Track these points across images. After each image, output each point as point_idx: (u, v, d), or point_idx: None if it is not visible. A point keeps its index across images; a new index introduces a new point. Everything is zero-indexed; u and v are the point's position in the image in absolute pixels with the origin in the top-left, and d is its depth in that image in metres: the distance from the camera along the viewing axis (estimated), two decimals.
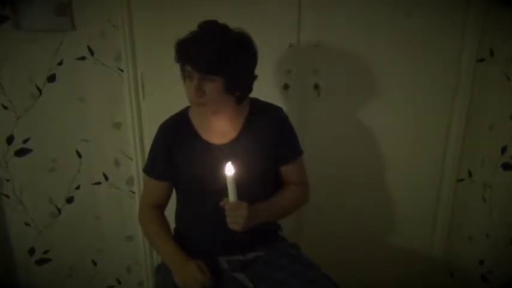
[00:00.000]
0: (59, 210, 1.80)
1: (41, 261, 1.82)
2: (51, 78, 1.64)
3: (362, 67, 1.70)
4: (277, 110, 1.29)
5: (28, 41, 1.57)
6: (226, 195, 1.08)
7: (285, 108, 1.31)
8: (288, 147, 1.28)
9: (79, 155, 1.77)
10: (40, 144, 1.69)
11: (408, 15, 1.63)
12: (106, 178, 1.83)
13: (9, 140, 1.64)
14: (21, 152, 1.67)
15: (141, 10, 1.62)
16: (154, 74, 1.70)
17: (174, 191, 1.35)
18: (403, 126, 1.78)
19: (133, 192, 1.85)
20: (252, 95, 1.25)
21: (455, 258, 1.95)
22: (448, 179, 1.84)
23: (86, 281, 1.93)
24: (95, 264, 1.93)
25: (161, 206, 1.33)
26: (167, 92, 1.66)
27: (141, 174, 1.74)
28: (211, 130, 1.24)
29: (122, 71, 1.68)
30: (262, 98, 1.30)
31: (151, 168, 1.31)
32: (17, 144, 1.66)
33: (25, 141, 1.67)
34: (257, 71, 1.20)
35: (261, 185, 1.24)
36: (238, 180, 1.07)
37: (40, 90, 1.64)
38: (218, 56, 1.07)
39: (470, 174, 1.84)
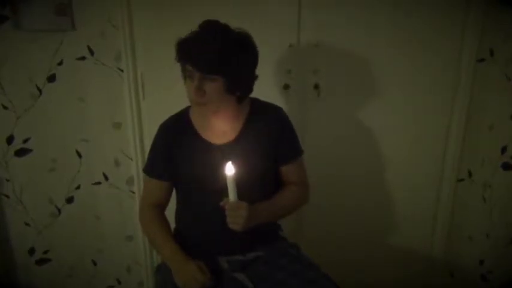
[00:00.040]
0: (59, 210, 1.80)
1: (41, 261, 1.82)
2: (51, 78, 1.64)
3: (362, 67, 1.70)
4: (277, 110, 1.29)
5: (28, 41, 1.57)
6: (227, 195, 1.08)
7: (285, 108, 1.31)
8: (288, 147, 1.28)
9: (79, 155, 1.77)
10: (40, 144, 1.69)
11: (408, 15, 1.63)
12: (106, 178, 1.83)
13: (9, 140, 1.64)
14: (21, 152, 1.67)
15: (141, 10, 1.63)
16: (154, 74, 1.70)
17: (174, 190, 1.35)
18: (403, 126, 1.78)
19: (133, 192, 1.85)
20: (252, 95, 1.25)
21: (455, 258, 1.95)
22: (448, 179, 1.84)
23: (86, 281, 1.93)
24: (95, 264, 1.93)
25: (161, 206, 1.33)
26: (167, 92, 1.66)
27: (141, 174, 1.74)
28: (211, 130, 1.24)
29: (122, 71, 1.68)
30: (262, 98, 1.30)
31: (152, 168, 1.31)
32: (17, 144, 1.66)
33: (25, 141, 1.67)
34: (257, 71, 1.20)
35: (261, 185, 1.24)
36: (239, 180, 1.07)
37: (40, 90, 1.64)
38: (219, 55, 1.07)
39: (470, 174, 1.84)
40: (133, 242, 1.92)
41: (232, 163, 1.06)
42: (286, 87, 1.70)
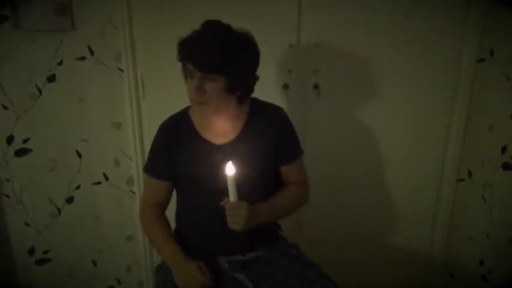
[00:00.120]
0: (59, 210, 1.80)
1: (41, 261, 1.82)
2: (51, 78, 1.64)
3: (362, 67, 1.70)
4: (277, 110, 1.29)
5: (28, 41, 1.57)
6: (227, 195, 1.08)
7: (285, 108, 1.31)
8: (288, 147, 1.28)
9: (79, 155, 1.77)
10: (40, 144, 1.69)
11: (408, 15, 1.63)
12: (106, 178, 1.83)
13: (9, 140, 1.64)
14: (21, 152, 1.67)
15: (141, 10, 1.63)
16: (154, 74, 1.70)
17: (174, 191, 1.35)
18: (403, 126, 1.78)
19: (134, 192, 1.85)
20: (253, 95, 1.25)
21: (455, 258, 1.95)
22: (448, 179, 1.84)
23: (86, 281, 1.93)
24: (95, 264, 1.93)
25: (162, 206, 1.33)
26: (167, 92, 1.66)
27: (141, 174, 1.75)
28: (211, 130, 1.24)
29: (122, 71, 1.68)
30: (262, 98, 1.30)
31: (152, 168, 1.31)
32: (17, 144, 1.66)
33: (25, 141, 1.67)
34: (258, 71, 1.20)
35: (261, 185, 1.24)
36: (239, 180, 1.07)
37: (40, 90, 1.64)
38: (220, 55, 1.07)
39: (470, 174, 1.84)
40: (133, 242, 1.92)
41: (232, 163, 1.06)
42: (286, 87, 1.70)
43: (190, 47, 1.10)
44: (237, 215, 1.09)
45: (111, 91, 1.71)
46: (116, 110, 1.74)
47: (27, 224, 1.76)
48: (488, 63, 1.67)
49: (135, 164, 1.80)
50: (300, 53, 1.67)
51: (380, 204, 1.89)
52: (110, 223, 1.88)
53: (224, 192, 1.08)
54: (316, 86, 1.71)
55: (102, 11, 1.62)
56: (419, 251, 1.95)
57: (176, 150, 1.25)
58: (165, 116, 1.32)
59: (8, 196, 1.70)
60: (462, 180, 1.85)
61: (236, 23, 1.14)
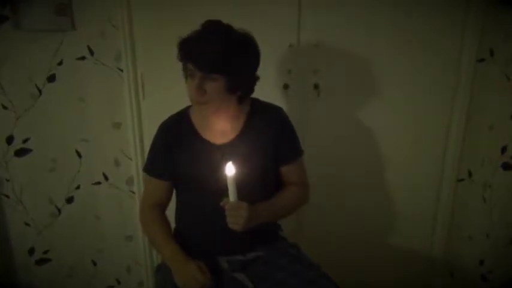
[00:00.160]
0: (59, 210, 1.80)
1: (41, 261, 1.82)
2: (51, 78, 1.64)
3: (362, 67, 1.70)
4: (277, 110, 1.29)
5: (28, 41, 1.57)
6: (227, 195, 1.08)
7: (285, 108, 1.31)
8: (289, 147, 1.28)
9: (79, 155, 1.77)
10: (40, 144, 1.69)
11: (408, 15, 1.63)
12: (106, 178, 1.83)
13: (9, 140, 1.64)
14: (21, 152, 1.67)
15: (141, 10, 1.63)
16: (154, 74, 1.70)
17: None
18: (403, 126, 1.78)
19: (134, 192, 1.85)
20: (253, 95, 1.25)
21: (455, 258, 1.95)
22: (448, 179, 1.84)
23: (86, 281, 1.93)
24: (95, 264, 1.93)
25: (162, 206, 1.33)
26: (167, 92, 1.66)
27: (141, 174, 1.75)
28: (211, 130, 1.24)
29: (122, 71, 1.68)
30: (262, 98, 1.30)
31: (152, 167, 1.31)
32: (17, 144, 1.66)
33: (25, 141, 1.67)
34: (258, 72, 1.20)
35: (261, 185, 1.24)
36: (239, 180, 1.07)
37: (40, 90, 1.64)
38: (221, 55, 1.07)
39: (470, 174, 1.84)
40: (133, 242, 1.92)
41: (232, 163, 1.06)
42: (286, 87, 1.70)
43: (191, 47, 1.11)
44: (237, 215, 1.09)
45: (111, 91, 1.71)
46: (115, 110, 1.74)
47: (27, 224, 1.76)
48: (488, 63, 1.67)
49: (135, 164, 1.80)
50: (300, 53, 1.67)
51: (380, 204, 1.89)
52: (110, 223, 1.88)
53: (224, 192, 1.08)
54: (316, 86, 1.71)
55: (102, 11, 1.62)
56: (419, 251, 1.95)
57: (176, 150, 1.25)
58: (165, 116, 1.32)
59: (8, 196, 1.70)
60: (462, 180, 1.85)
61: (236, 23, 1.14)
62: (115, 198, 1.85)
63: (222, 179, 1.07)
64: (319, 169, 1.59)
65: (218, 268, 1.23)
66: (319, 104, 1.73)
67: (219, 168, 1.10)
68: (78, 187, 1.80)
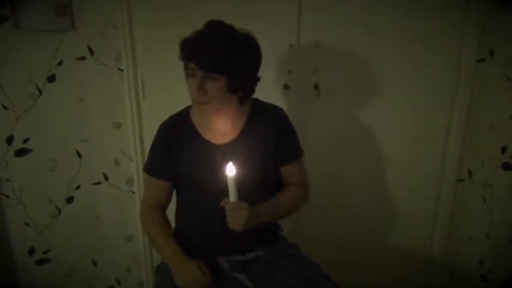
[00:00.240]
0: (59, 210, 1.80)
1: (41, 261, 1.82)
2: (51, 78, 1.64)
3: (362, 67, 1.70)
4: (277, 110, 1.29)
5: (28, 41, 1.57)
6: (227, 196, 1.08)
7: (285, 108, 1.31)
8: (289, 148, 1.28)
9: (79, 155, 1.77)
10: (40, 144, 1.69)
11: (408, 15, 1.63)
12: (106, 178, 1.83)
13: (9, 140, 1.64)
14: (21, 152, 1.67)
15: (141, 10, 1.63)
16: (154, 74, 1.70)
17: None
18: (403, 126, 1.78)
19: (134, 192, 1.85)
20: (253, 95, 1.25)
21: (455, 258, 1.95)
22: (448, 179, 1.84)
23: (86, 281, 1.93)
24: (95, 264, 1.93)
25: (162, 206, 1.33)
26: (167, 92, 1.66)
27: (141, 174, 1.75)
28: (212, 130, 1.24)
29: (122, 71, 1.68)
30: (262, 98, 1.30)
31: (152, 167, 1.31)
32: (17, 144, 1.66)
33: (25, 141, 1.67)
34: (258, 72, 1.20)
35: (261, 185, 1.24)
36: (239, 180, 1.07)
37: (40, 90, 1.64)
38: (223, 55, 1.08)
39: (470, 174, 1.84)
40: (133, 242, 1.92)
41: (233, 163, 1.06)
42: (286, 87, 1.70)
43: (193, 47, 1.11)
44: (237, 215, 1.09)
45: (111, 91, 1.71)
46: (116, 110, 1.74)
47: (27, 224, 1.76)
48: (488, 63, 1.67)
49: (135, 164, 1.80)
50: (300, 53, 1.67)
51: (380, 204, 1.89)
52: (110, 223, 1.88)
53: (224, 192, 1.08)
54: (316, 86, 1.71)
55: (102, 11, 1.62)
56: (419, 251, 1.95)
57: (176, 150, 1.25)
58: (165, 116, 1.32)
59: (8, 196, 1.70)
60: (462, 180, 1.85)
61: (236, 23, 1.14)
62: (115, 198, 1.85)
63: (222, 179, 1.07)
64: (319, 169, 1.59)
65: (218, 268, 1.23)
66: (319, 104, 1.73)
67: (219, 169, 1.10)
68: (78, 187, 1.80)
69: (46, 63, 1.62)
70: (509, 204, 1.70)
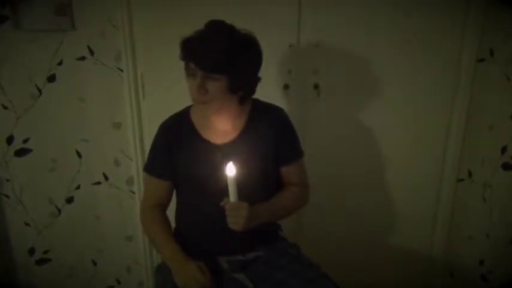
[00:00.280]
0: (59, 210, 1.80)
1: (41, 261, 1.82)
2: (51, 78, 1.64)
3: (362, 67, 1.70)
4: (278, 110, 1.29)
5: (28, 41, 1.57)
6: (227, 195, 1.08)
7: (285, 108, 1.31)
8: (289, 148, 1.28)
9: (79, 155, 1.77)
10: (40, 144, 1.69)
11: (408, 15, 1.63)
12: (106, 178, 1.83)
13: (9, 140, 1.64)
14: (21, 152, 1.67)
15: (141, 10, 1.63)
16: (154, 74, 1.70)
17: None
18: (403, 126, 1.78)
19: (134, 192, 1.85)
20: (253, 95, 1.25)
21: (455, 258, 1.95)
22: (448, 179, 1.84)
23: (86, 281, 1.93)
24: (95, 264, 1.93)
25: (163, 206, 1.33)
26: (167, 92, 1.66)
27: (141, 174, 1.75)
28: (212, 130, 1.24)
29: (122, 71, 1.68)
30: (262, 98, 1.30)
31: (152, 167, 1.31)
32: (17, 144, 1.66)
33: (25, 141, 1.67)
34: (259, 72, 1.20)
35: (261, 185, 1.24)
36: (239, 180, 1.07)
37: (40, 90, 1.64)
38: (223, 55, 1.08)
39: (470, 174, 1.84)
40: (133, 242, 1.92)
41: (233, 163, 1.06)
42: (286, 87, 1.70)
43: (194, 46, 1.11)
44: (237, 215, 1.09)
45: (111, 91, 1.71)
46: (116, 110, 1.74)
47: (27, 224, 1.76)
48: (488, 63, 1.67)
49: (135, 164, 1.80)
50: (300, 53, 1.67)
51: (380, 204, 1.89)
52: (110, 223, 1.88)
53: (224, 192, 1.08)
54: (316, 86, 1.71)
55: (102, 11, 1.62)
56: (419, 251, 1.95)
57: (176, 150, 1.25)
58: (165, 116, 1.32)
59: (8, 196, 1.70)
60: (462, 180, 1.85)
61: (236, 23, 1.14)
62: (115, 198, 1.85)
63: (222, 179, 1.07)
64: (319, 169, 1.59)
65: (218, 268, 1.23)
66: (319, 104, 1.73)
67: (219, 168, 1.10)
68: (78, 187, 1.80)
69: (46, 63, 1.62)
70: (509, 204, 1.70)
